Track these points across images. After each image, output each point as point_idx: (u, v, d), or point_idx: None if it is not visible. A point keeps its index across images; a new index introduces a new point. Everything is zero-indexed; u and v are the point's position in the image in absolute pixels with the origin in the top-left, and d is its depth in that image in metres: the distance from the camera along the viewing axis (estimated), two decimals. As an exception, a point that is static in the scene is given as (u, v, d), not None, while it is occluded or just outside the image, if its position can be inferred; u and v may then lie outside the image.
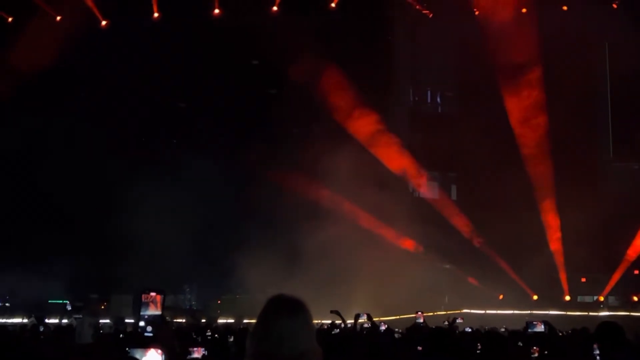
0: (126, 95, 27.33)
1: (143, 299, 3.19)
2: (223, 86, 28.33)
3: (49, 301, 25.44)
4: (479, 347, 10.24)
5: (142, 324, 3.22)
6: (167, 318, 21.37)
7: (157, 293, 3.28)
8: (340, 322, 13.88)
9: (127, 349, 6.47)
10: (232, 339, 11.68)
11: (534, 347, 9.12)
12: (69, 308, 19.44)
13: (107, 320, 17.57)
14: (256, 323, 3.06)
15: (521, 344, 9.78)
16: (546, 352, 8.19)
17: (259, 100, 27.64)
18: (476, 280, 26.60)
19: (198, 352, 4.24)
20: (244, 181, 25.99)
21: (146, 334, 3.18)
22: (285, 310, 3.02)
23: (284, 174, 25.85)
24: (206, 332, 11.94)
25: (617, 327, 5.80)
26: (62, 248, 24.77)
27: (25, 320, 20.69)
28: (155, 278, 27.34)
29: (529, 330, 9.16)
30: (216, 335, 11.36)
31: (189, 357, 4.05)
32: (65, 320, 17.53)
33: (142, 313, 3.26)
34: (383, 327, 13.27)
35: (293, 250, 23.81)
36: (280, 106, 26.46)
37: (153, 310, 3.25)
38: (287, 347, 2.94)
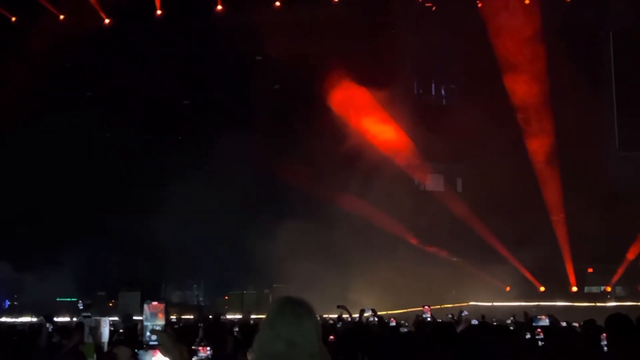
0: (130, 93, 27.38)
1: (151, 309, 3.19)
2: (226, 82, 28.38)
3: (57, 299, 25.54)
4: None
5: (147, 333, 3.24)
6: (174, 315, 21.46)
7: (159, 302, 3.28)
8: (347, 316, 13.97)
9: (135, 350, 6.52)
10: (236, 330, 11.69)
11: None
12: (81, 307, 19.46)
13: (116, 318, 17.61)
14: (263, 327, 3.09)
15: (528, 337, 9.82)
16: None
17: (263, 95, 27.61)
18: (483, 273, 26.61)
19: (204, 351, 4.26)
20: (251, 176, 25.98)
21: (151, 342, 3.21)
22: (293, 314, 3.04)
23: (290, 168, 25.87)
24: (214, 328, 11.97)
25: (624, 319, 5.83)
26: (70, 245, 24.86)
27: (34, 319, 20.81)
28: (163, 274, 27.56)
29: (534, 324, 9.20)
30: (221, 332, 11.43)
31: (195, 357, 4.09)
32: (75, 319, 17.60)
33: (148, 323, 3.25)
34: (393, 323, 13.26)
35: (299, 246, 23.85)
36: (283, 101, 26.47)
37: (161, 320, 3.26)
38: (296, 351, 2.96)
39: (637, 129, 29.49)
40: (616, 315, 5.89)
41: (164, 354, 3.32)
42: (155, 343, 3.34)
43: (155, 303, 3.46)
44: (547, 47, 26.10)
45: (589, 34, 29.17)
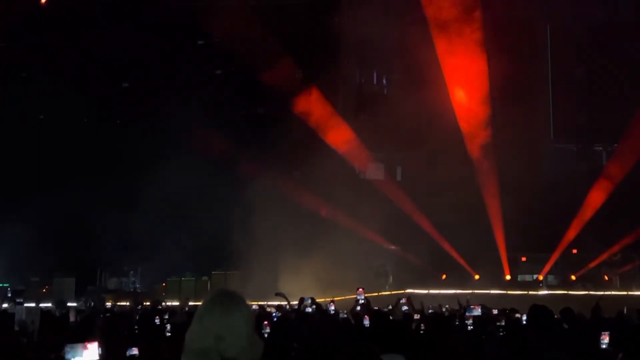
0: (66, 74, 26.78)
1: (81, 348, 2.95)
2: (168, 66, 28.00)
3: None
4: (422, 328, 10.45)
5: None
6: (109, 302, 21.17)
7: (92, 342, 3.01)
8: (285, 303, 14.01)
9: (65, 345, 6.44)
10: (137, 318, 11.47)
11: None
12: (9, 295, 18.98)
13: (50, 304, 17.29)
14: (194, 321, 3.09)
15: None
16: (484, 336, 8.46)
17: (205, 81, 27.33)
18: (420, 261, 27.00)
19: (136, 349, 4.20)
20: (191, 162, 25.72)
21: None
22: (222, 308, 3.04)
23: (231, 154, 25.72)
24: (154, 318, 11.80)
25: (546, 310, 5.98)
26: (2, 229, 24.24)
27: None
28: (99, 260, 27.09)
29: (467, 313, 9.44)
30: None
31: (128, 353, 4.04)
32: (5, 305, 17.21)
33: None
34: (332, 307, 13.38)
35: (238, 233, 23.78)
36: (225, 87, 26.24)
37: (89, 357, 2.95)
38: (225, 344, 2.98)
39: (572, 122, 30.30)
40: (539, 307, 6.04)
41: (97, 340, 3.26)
42: None
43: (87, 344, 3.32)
44: (485, 40, 26.50)
45: (527, 28, 29.77)
